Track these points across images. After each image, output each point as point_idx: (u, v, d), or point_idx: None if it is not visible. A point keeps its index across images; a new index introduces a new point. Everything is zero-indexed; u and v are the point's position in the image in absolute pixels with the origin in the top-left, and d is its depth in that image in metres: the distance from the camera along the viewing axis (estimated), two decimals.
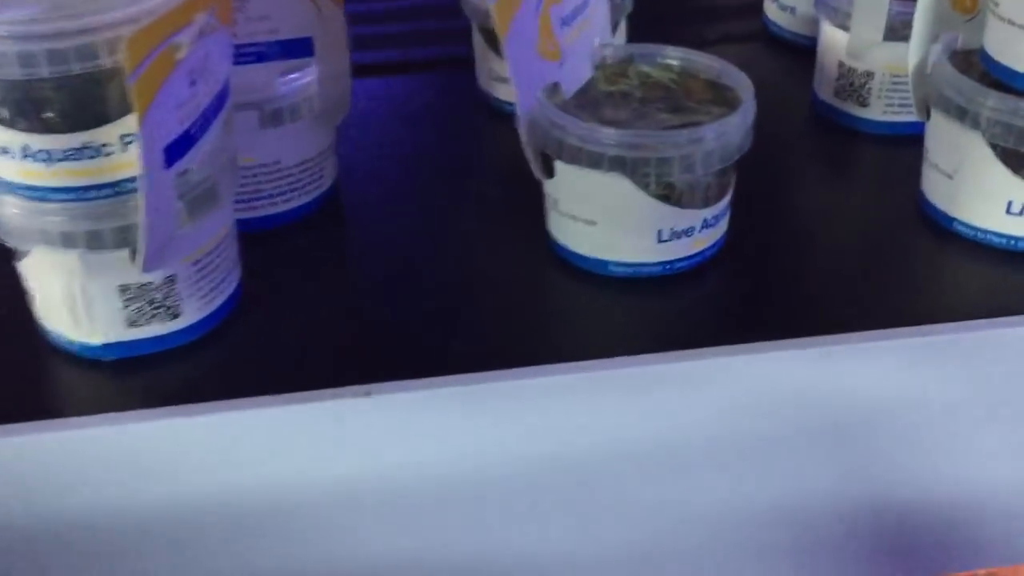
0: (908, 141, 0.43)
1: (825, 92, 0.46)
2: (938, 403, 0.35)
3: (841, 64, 0.45)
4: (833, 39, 0.45)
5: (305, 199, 0.40)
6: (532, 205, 0.39)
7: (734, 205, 0.38)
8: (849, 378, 0.34)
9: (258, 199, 0.39)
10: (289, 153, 0.39)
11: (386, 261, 0.39)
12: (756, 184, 0.39)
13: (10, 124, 0.30)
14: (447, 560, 0.36)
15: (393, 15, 0.55)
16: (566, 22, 0.37)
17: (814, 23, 0.48)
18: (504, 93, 0.47)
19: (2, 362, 0.34)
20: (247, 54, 0.38)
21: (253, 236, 0.38)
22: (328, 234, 0.41)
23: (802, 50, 0.51)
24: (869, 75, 0.44)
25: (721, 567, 0.38)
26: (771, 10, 0.54)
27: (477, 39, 0.47)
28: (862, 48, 0.43)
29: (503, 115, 0.48)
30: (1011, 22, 0.35)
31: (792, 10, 0.52)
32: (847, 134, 0.46)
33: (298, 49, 0.38)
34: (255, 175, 0.38)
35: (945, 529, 0.38)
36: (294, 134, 0.39)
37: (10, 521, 0.31)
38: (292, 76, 0.38)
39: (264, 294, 0.37)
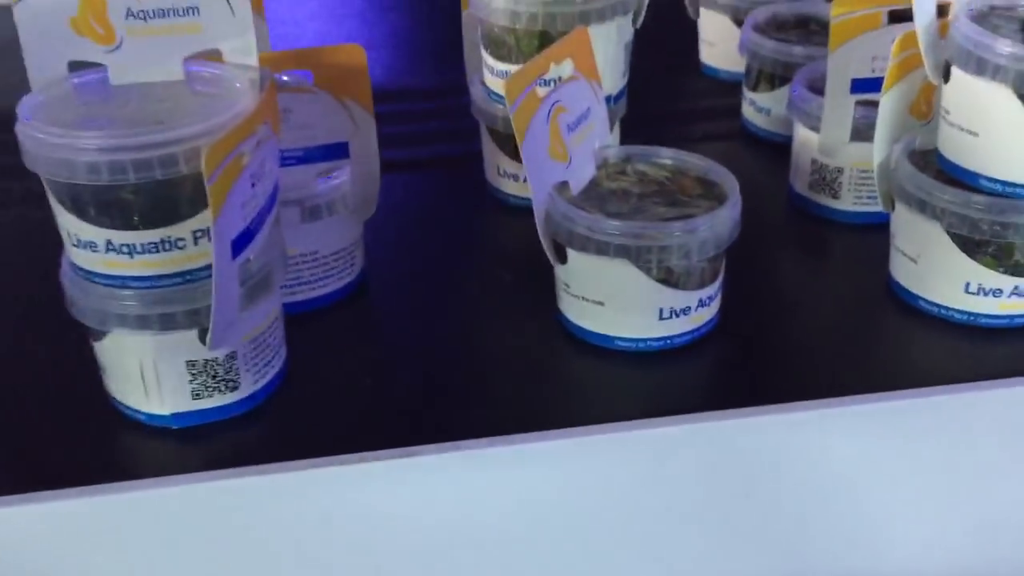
0: (876, 228, 0.48)
1: (800, 186, 0.52)
2: (905, 469, 0.40)
3: (814, 161, 0.50)
4: (806, 139, 0.51)
5: (338, 284, 0.45)
6: (541, 287, 0.44)
7: (725, 287, 0.43)
8: (823, 440, 0.39)
9: (299, 285, 0.43)
10: (326, 244, 0.43)
11: (412, 338, 0.43)
12: (743, 268, 0.44)
13: (96, 223, 0.34)
14: None
15: (410, 117, 0.60)
16: (571, 128, 0.42)
17: (787, 122, 0.54)
18: (511, 188, 0.52)
19: (79, 432, 0.38)
20: (290, 158, 0.43)
21: (294, 318, 0.42)
22: (359, 315, 0.45)
23: (777, 147, 0.57)
24: (839, 171, 0.49)
25: None
26: (748, 112, 0.59)
27: (485, 138, 0.53)
28: (832, 147, 0.49)
29: (509, 207, 0.53)
30: (959, 128, 0.40)
31: (767, 112, 0.58)
32: (821, 223, 0.51)
33: (335, 152, 0.43)
34: (296, 264, 0.43)
35: None
36: (330, 227, 0.43)
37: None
38: (329, 176, 0.43)
39: (306, 369, 0.41)
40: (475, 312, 0.46)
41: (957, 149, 0.40)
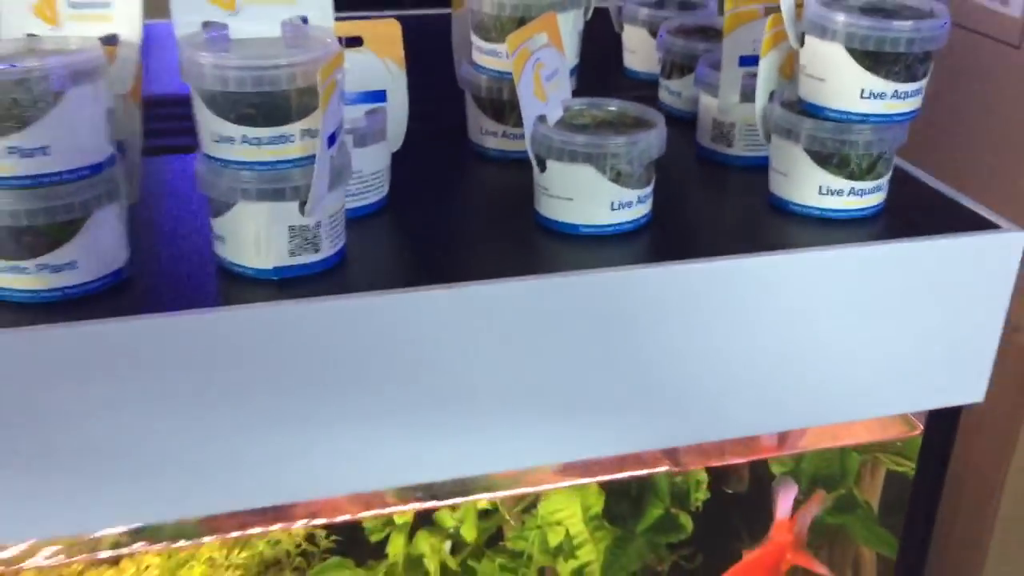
0: (758, 168, 0.66)
1: (704, 140, 0.70)
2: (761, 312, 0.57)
3: (714, 120, 0.68)
4: (708, 104, 0.69)
5: (375, 199, 0.60)
6: (515, 210, 0.60)
7: (655, 203, 0.60)
8: (715, 286, 0.56)
9: (348, 196, 0.59)
10: (367, 165, 0.59)
11: (426, 236, 0.59)
12: (668, 193, 0.62)
13: (235, 122, 0.50)
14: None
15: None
16: (547, 79, 0.59)
17: (693, 101, 0.72)
18: (490, 143, 0.69)
19: (195, 288, 0.53)
20: (348, 99, 0.59)
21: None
22: (390, 219, 0.61)
23: (686, 122, 0.75)
24: (732, 125, 0.67)
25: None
26: (663, 95, 0.77)
27: (470, 104, 0.69)
28: (727, 107, 0.67)
29: (489, 158, 0.69)
30: (811, 76, 0.58)
31: (678, 94, 0.76)
32: (719, 166, 0.69)
33: (376, 98, 0.59)
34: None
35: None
36: (371, 153, 0.59)
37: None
38: (376, 113, 0.59)
39: (357, 251, 0.56)
40: (470, 220, 0.62)
41: (810, 92, 0.59)
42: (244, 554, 0.78)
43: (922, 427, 0.68)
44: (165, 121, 0.66)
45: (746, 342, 0.57)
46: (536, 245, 0.58)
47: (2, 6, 0.50)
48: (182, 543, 0.71)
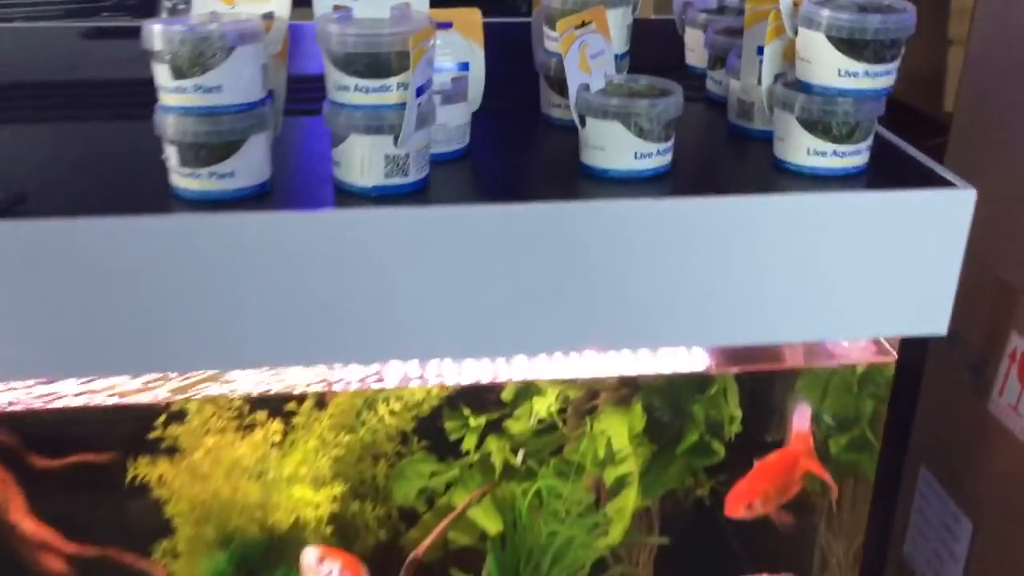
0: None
1: (732, 116, 0.85)
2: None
3: (738, 100, 0.83)
4: (734, 87, 0.84)
5: (458, 147, 0.78)
6: (564, 162, 0.77)
7: (681, 161, 0.75)
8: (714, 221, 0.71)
9: (435, 143, 0.77)
10: (451, 119, 0.77)
11: (498, 175, 0.77)
12: (696, 152, 0.77)
13: (349, 74, 0.68)
14: None
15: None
16: (592, 57, 0.75)
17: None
18: (556, 113, 0.86)
19: (317, 198, 0.71)
20: (439, 67, 0.77)
21: (433, 162, 0.76)
22: (466, 165, 0.79)
23: (723, 104, 0.90)
24: (751, 103, 0.83)
25: None
26: (710, 84, 0.92)
27: (542, 81, 0.86)
28: (748, 89, 0.82)
29: (552, 125, 0.86)
30: (803, 59, 0.73)
31: (719, 83, 0.91)
32: (743, 137, 0.84)
33: (462, 68, 0.77)
34: (436, 129, 0.77)
35: None
36: (455, 111, 0.77)
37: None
38: (460, 79, 0.77)
39: (437, 182, 0.74)
40: (530, 166, 0.79)
41: (802, 72, 0.74)
42: (348, 438, 0.97)
43: (896, 354, 0.82)
44: (302, 93, 0.86)
45: (738, 266, 0.73)
46: (575, 184, 0.75)
47: None
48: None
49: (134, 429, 0.91)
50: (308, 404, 0.95)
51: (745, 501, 0.89)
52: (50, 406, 0.81)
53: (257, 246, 0.68)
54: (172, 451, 0.93)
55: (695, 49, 1.00)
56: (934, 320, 0.76)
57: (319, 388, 0.89)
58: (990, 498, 1.18)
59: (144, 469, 0.92)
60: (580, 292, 0.72)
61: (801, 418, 0.92)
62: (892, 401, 0.82)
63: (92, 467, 0.96)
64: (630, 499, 1.01)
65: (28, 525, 0.97)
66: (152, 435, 0.92)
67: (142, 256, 0.67)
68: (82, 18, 1.31)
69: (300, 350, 0.71)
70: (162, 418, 0.92)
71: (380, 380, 0.88)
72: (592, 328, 0.74)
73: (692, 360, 0.85)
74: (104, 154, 0.80)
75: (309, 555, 0.87)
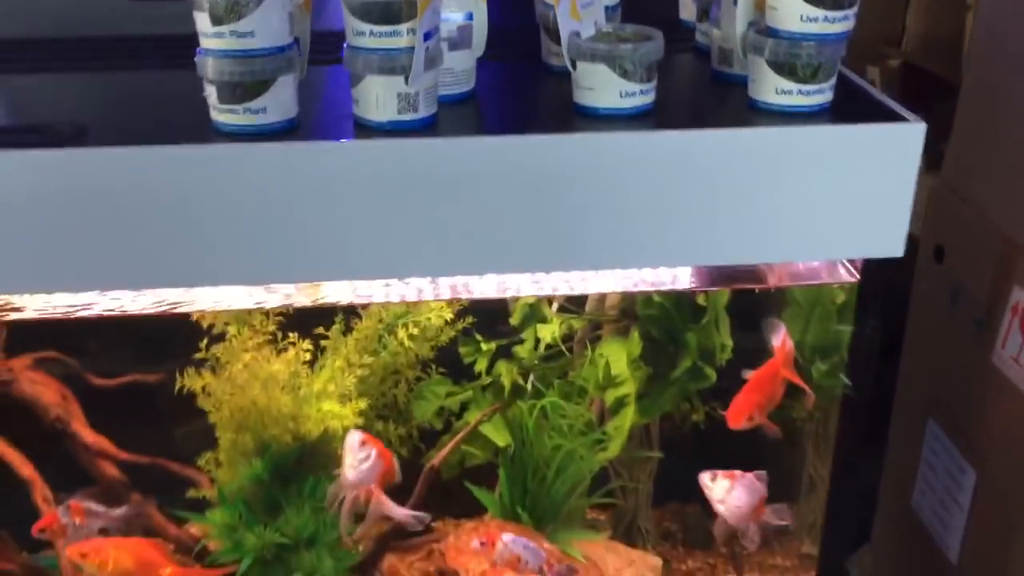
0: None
1: (715, 63, 0.93)
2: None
3: (719, 48, 0.92)
4: (716, 35, 0.92)
5: (464, 89, 0.88)
6: (560, 103, 0.86)
7: (665, 101, 0.84)
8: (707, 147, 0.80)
9: (444, 85, 0.86)
10: (458, 63, 0.86)
11: (497, 118, 0.86)
12: (678, 94, 0.86)
13: (366, 21, 0.78)
14: None
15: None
16: (583, 7, 0.84)
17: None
18: (554, 61, 0.95)
19: (338, 132, 0.81)
20: (445, 17, 0.86)
21: (442, 102, 0.85)
22: (471, 106, 0.88)
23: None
24: (731, 50, 0.91)
25: None
26: (698, 36, 1.01)
27: (542, 32, 0.95)
28: (727, 36, 0.91)
29: (552, 72, 0.95)
30: (772, 7, 0.82)
31: (705, 34, 0.99)
32: (724, 83, 0.93)
33: (467, 17, 0.86)
34: (443, 72, 0.86)
35: None
36: (461, 56, 0.86)
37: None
38: (465, 27, 0.86)
39: (444, 120, 0.84)
40: (529, 107, 0.88)
41: (770, 18, 0.82)
42: (371, 359, 1.08)
43: (859, 276, 0.90)
44: (323, 45, 0.95)
45: (712, 192, 0.81)
46: (569, 121, 0.84)
47: None
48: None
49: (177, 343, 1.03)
50: (336, 328, 1.06)
51: (745, 414, 0.98)
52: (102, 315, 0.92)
53: (286, 173, 0.78)
54: (213, 367, 1.04)
55: (687, 4, 1.08)
56: (892, 243, 0.84)
57: (344, 303, 1.00)
58: (993, 448, 1.24)
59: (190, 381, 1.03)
60: (573, 215, 0.81)
61: (776, 333, 1.01)
62: (867, 325, 0.91)
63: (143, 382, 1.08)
64: (627, 418, 1.11)
65: (87, 434, 1.09)
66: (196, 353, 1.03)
67: (187, 181, 0.78)
68: None
69: (326, 266, 0.82)
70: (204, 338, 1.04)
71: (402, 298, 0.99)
72: (582, 249, 0.83)
73: (674, 281, 0.94)
74: (153, 98, 0.90)
75: (353, 438, 0.96)
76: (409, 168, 0.79)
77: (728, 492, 1.05)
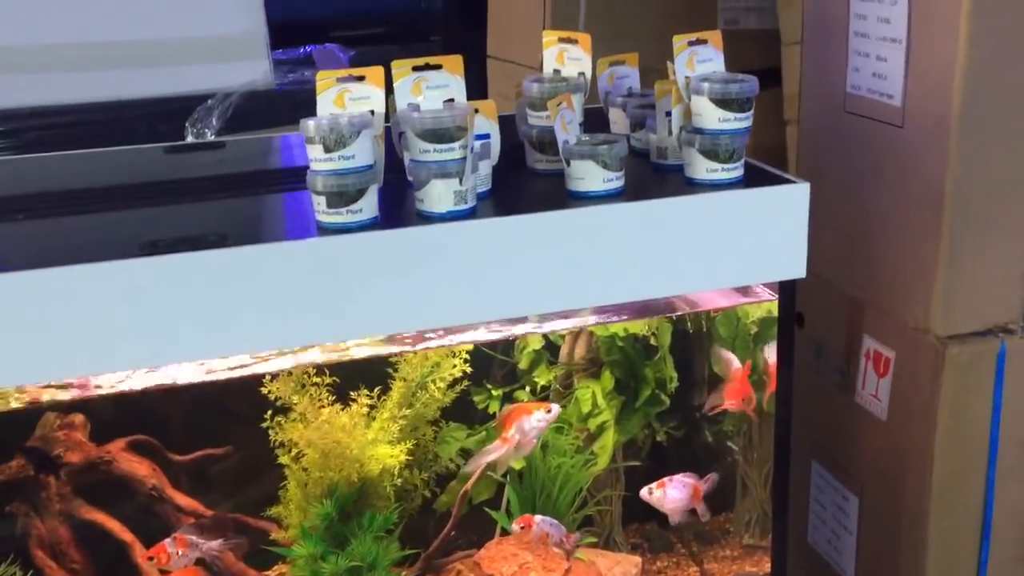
0: (681, 169, 1.26)
1: (653, 157, 1.30)
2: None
3: (656, 147, 1.29)
4: (653, 139, 1.29)
5: (487, 188, 1.20)
6: (552, 192, 1.20)
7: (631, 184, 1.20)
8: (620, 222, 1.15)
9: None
10: (483, 170, 1.19)
11: (508, 205, 1.19)
12: (635, 181, 1.21)
13: (432, 142, 1.10)
14: None
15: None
16: (568, 123, 1.19)
17: (644, 143, 1.33)
18: (539, 167, 1.29)
19: (408, 221, 1.12)
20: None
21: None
22: (492, 199, 1.21)
23: (642, 154, 1.35)
24: (666, 148, 1.28)
25: None
26: (633, 142, 1.38)
27: (527, 146, 1.30)
28: (662, 139, 1.27)
29: (537, 174, 1.29)
30: (696, 114, 1.19)
31: (640, 140, 1.36)
32: (663, 171, 1.29)
33: (485, 136, 1.20)
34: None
35: None
36: (484, 164, 1.19)
37: None
38: (486, 144, 1.19)
39: (481, 209, 1.16)
40: (531, 196, 1.22)
41: (697, 121, 1.20)
42: (409, 411, 1.36)
43: (777, 296, 1.27)
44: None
45: (666, 240, 1.16)
46: (566, 202, 1.18)
47: None
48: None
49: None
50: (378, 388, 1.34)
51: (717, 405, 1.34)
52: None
53: (380, 254, 1.08)
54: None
55: (617, 121, 1.45)
56: (795, 267, 1.21)
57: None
58: (867, 473, 1.46)
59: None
60: (577, 269, 1.15)
61: (731, 361, 1.37)
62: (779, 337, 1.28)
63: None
64: (610, 438, 1.42)
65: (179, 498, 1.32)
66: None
67: (308, 267, 1.07)
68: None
69: (406, 319, 1.11)
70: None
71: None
72: (579, 290, 1.16)
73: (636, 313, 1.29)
74: (241, 216, 1.20)
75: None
76: (467, 242, 1.11)
77: (665, 496, 1.38)
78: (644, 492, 1.38)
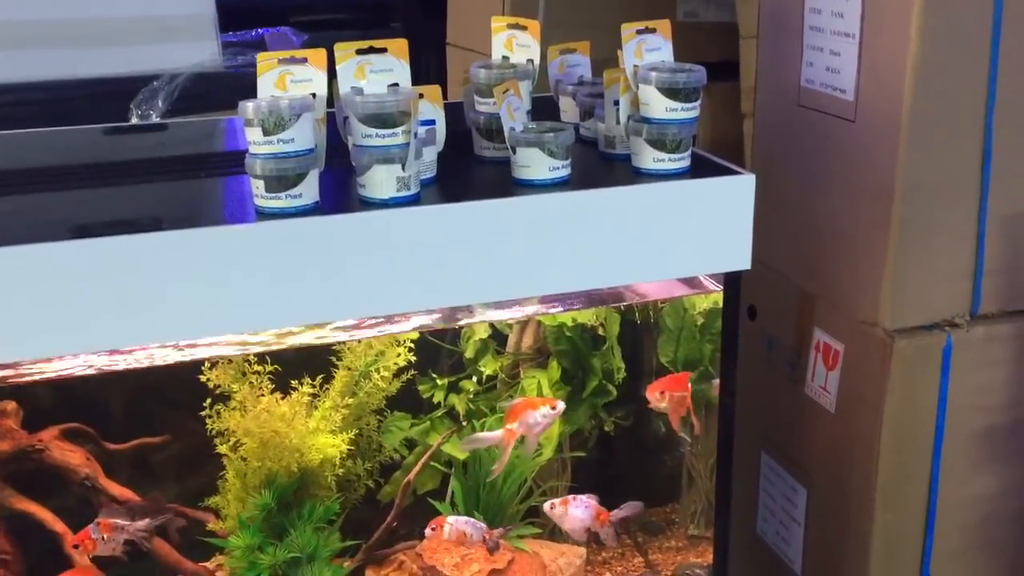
0: (629, 159, 1.25)
1: (601, 147, 1.28)
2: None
3: (604, 136, 1.27)
4: (601, 128, 1.28)
5: (432, 175, 1.18)
6: (499, 182, 1.18)
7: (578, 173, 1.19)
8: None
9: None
10: (428, 156, 1.17)
11: (454, 192, 1.17)
12: (582, 170, 1.20)
13: (374, 127, 1.08)
14: None
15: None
16: (515, 110, 1.18)
17: (594, 132, 1.31)
18: (487, 154, 1.27)
19: (349, 207, 1.10)
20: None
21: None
22: (436, 185, 1.19)
23: (591, 142, 1.34)
24: (614, 137, 1.27)
25: None
26: (582, 131, 1.37)
27: (474, 133, 1.28)
28: (610, 128, 1.26)
29: (484, 162, 1.28)
30: (643, 103, 1.18)
31: (589, 129, 1.35)
32: (610, 160, 1.28)
33: (431, 122, 1.18)
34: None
35: None
36: (429, 151, 1.17)
37: None
38: (431, 129, 1.17)
39: (425, 196, 1.14)
40: (476, 182, 1.20)
41: (644, 110, 1.19)
42: (352, 399, 1.34)
43: (721, 287, 1.27)
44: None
45: (613, 228, 1.15)
46: (511, 191, 1.16)
47: None
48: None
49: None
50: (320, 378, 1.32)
51: (659, 389, 1.32)
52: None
53: (319, 240, 1.06)
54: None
55: (567, 110, 1.44)
56: (740, 259, 1.21)
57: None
58: (815, 463, 1.47)
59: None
60: (520, 258, 1.13)
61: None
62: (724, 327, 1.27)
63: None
64: (555, 429, 1.41)
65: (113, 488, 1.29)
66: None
67: (244, 252, 1.05)
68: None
69: (346, 307, 1.09)
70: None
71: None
72: (523, 279, 1.14)
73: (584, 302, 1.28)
74: (174, 200, 1.17)
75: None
76: (408, 229, 1.09)
77: (566, 514, 1.37)
78: (547, 506, 1.38)
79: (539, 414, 1.28)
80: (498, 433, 1.31)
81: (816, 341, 1.47)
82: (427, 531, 1.32)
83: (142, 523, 1.19)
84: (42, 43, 1.90)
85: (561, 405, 1.30)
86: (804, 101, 1.47)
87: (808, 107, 1.46)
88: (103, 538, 1.16)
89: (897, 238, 1.33)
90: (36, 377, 1.14)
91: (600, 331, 1.44)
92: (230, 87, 1.91)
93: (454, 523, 1.31)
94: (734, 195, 1.19)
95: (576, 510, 1.35)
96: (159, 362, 1.15)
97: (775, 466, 1.60)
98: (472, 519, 1.32)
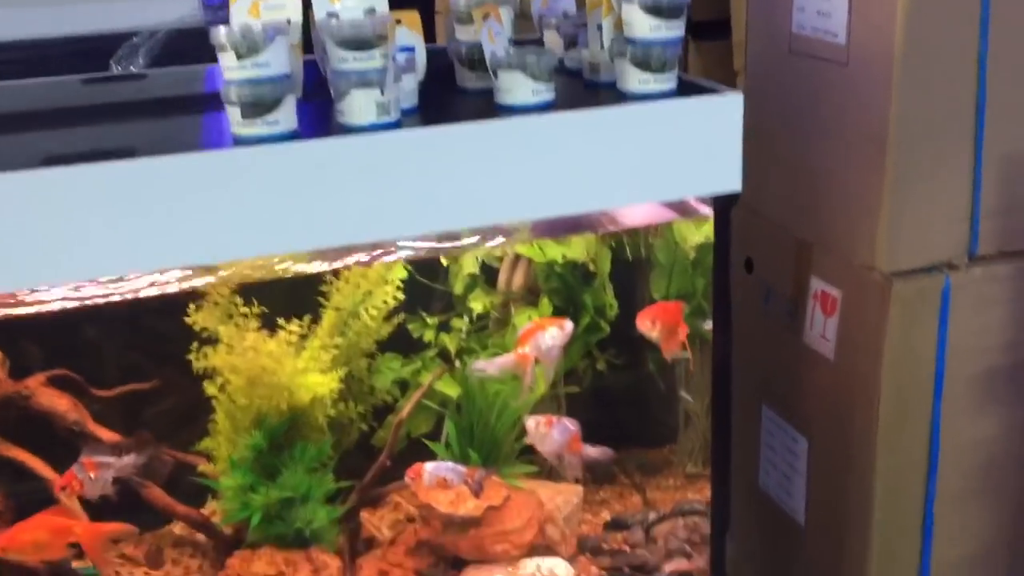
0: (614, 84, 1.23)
1: (586, 74, 1.26)
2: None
3: (589, 63, 1.25)
4: (585, 55, 1.26)
5: (413, 103, 1.16)
6: (483, 107, 1.16)
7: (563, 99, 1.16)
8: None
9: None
10: (408, 84, 1.15)
11: (438, 119, 1.15)
12: (569, 95, 1.18)
13: (350, 49, 1.06)
14: None
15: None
16: (496, 34, 1.16)
17: (577, 62, 1.29)
18: (468, 85, 1.25)
19: (327, 130, 1.08)
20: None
21: None
22: (418, 114, 1.17)
23: (574, 72, 1.32)
24: (598, 63, 1.24)
25: None
26: (566, 62, 1.34)
27: (456, 64, 1.26)
28: (594, 53, 1.24)
29: (466, 92, 1.26)
30: (627, 23, 1.16)
31: (574, 59, 1.33)
32: (595, 86, 1.25)
33: (410, 49, 1.16)
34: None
35: None
36: (409, 79, 1.15)
37: None
38: (411, 57, 1.15)
39: (406, 123, 1.12)
40: (460, 109, 1.18)
41: (628, 31, 1.16)
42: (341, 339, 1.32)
43: (712, 211, 1.25)
44: None
45: (598, 151, 1.13)
46: (496, 114, 1.14)
47: None
48: None
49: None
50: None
51: (649, 318, 1.30)
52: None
53: (301, 167, 1.04)
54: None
55: (552, 44, 1.42)
56: (730, 180, 1.19)
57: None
58: (815, 413, 1.44)
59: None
60: (504, 182, 1.11)
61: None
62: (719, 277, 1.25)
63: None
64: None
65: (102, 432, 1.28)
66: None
67: (220, 178, 1.03)
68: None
69: (326, 234, 1.08)
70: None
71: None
72: (507, 204, 1.12)
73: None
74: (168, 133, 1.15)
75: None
76: (389, 154, 1.07)
77: (546, 435, 1.34)
78: (531, 423, 1.33)
79: (548, 335, 1.25)
80: (509, 357, 1.28)
81: (814, 290, 1.45)
82: (406, 479, 1.27)
83: (128, 459, 1.17)
84: (20, 1, 1.87)
85: (569, 324, 1.27)
86: (796, 48, 1.44)
87: (800, 53, 1.44)
88: (90, 477, 1.14)
89: (892, 181, 1.31)
90: (19, 312, 1.12)
91: (591, 267, 1.42)
92: (210, 43, 1.89)
93: (432, 470, 1.26)
94: (722, 115, 1.16)
95: (555, 432, 1.32)
96: (142, 295, 1.13)
97: (776, 418, 1.58)
98: (451, 463, 1.29)
